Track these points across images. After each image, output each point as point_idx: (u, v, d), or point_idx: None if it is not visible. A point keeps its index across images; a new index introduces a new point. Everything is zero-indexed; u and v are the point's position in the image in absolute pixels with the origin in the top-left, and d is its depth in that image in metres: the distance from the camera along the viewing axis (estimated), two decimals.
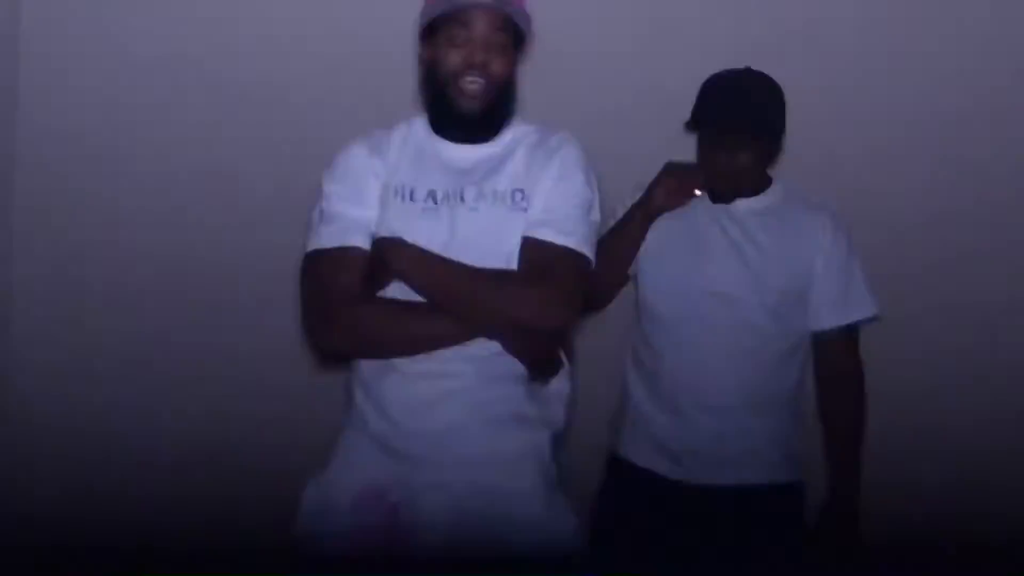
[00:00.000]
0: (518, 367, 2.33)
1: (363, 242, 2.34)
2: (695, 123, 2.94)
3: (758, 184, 2.96)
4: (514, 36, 2.38)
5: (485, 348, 2.30)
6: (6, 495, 3.53)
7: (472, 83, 2.33)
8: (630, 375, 3.02)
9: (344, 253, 2.33)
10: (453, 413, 2.29)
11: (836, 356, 2.97)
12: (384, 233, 2.35)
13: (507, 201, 2.34)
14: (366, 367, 2.37)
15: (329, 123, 3.43)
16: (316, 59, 3.45)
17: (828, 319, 2.94)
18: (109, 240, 3.51)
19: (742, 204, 2.94)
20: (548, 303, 2.27)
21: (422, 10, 2.40)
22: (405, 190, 2.37)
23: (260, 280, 3.49)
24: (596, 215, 2.39)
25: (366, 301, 2.30)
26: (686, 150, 3.00)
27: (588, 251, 2.34)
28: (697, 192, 2.92)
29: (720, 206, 2.94)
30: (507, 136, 2.42)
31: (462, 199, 2.34)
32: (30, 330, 3.50)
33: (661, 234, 2.95)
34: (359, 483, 2.34)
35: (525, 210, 2.33)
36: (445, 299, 2.27)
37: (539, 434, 2.36)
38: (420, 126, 2.45)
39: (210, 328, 3.52)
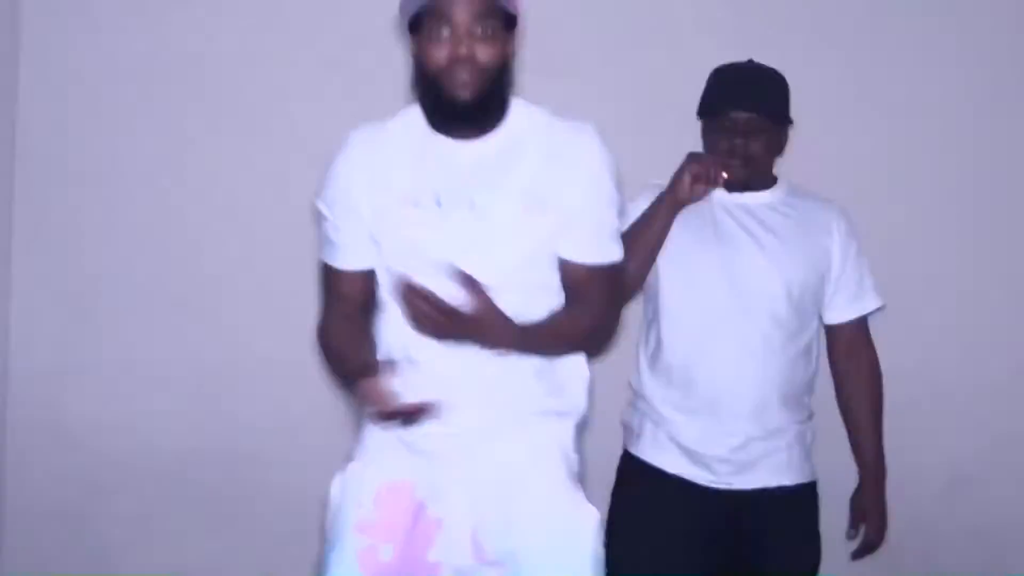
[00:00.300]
0: (536, 364, 2.32)
1: (357, 263, 2.36)
2: (706, 113, 2.95)
3: (767, 178, 2.97)
4: (503, 18, 2.25)
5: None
6: (5, 495, 3.53)
7: (461, 75, 2.21)
8: (645, 376, 2.97)
9: (340, 273, 2.38)
10: (477, 413, 2.28)
11: (854, 346, 3.02)
12: (390, 242, 2.30)
13: (518, 203, 2.25)
14: (391, 348, 2.35)
15: (331, 124, 3.43)
16: (317, 59, 3.45)
17: (846, 312, 2.98)
18: (109, 240, 3.51)
19: (755, 198, 2.94)
20: (607, 326, 2.38)
21: (400, 5, 2.29)
22: (407, 196, 2.29)
23: (261, 279, 3.48)
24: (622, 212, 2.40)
25: (336, 326, 2.36)
26: (690, 148, 2.99)
27: (621, 254, 2.37)
28: (725, 175, 2.87)
29: (734, 201, 2.93)
30: (512, 125, 2.31)
31: (471, 205, 2.25)
32: (30, 330, 3.50)
33: (676, 232, 2.91)
34: (383, 478, 2.33)
35: (540, 212, 2.26)
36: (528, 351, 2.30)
37: (562, 426, 2.36)
38: (417, 121, 2.34)
39: (211, 328, 3.52)
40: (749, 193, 2.94)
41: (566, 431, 2.36)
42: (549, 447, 2.32)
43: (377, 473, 2.34)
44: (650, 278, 2.96)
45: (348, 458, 2.40)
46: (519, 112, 2.32)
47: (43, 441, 3.50)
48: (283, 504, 3.45)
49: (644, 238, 2.85)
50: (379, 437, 2.34)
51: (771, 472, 2.89)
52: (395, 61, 3.27)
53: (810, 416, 2.99)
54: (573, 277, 2.31)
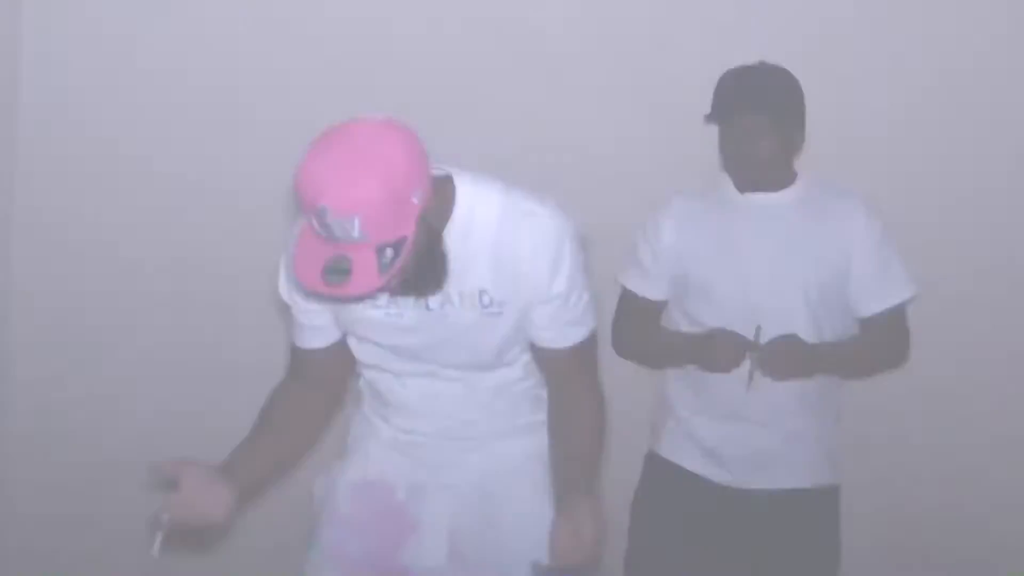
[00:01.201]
0: (525, 385, 2.36)
1: (322, 342, 2.36)
2: (715, 120, 2.94)
3: (784, 177, 2.95)
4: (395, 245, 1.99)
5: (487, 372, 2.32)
6: (5, 497, 3.53)
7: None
8: (671, 381, 3.03)
9: (303, 350, 2.39)
10: (470, 426, 2.34)
11: (884, 336, 2.98)
12: (355, 333, 2.30)
13: (476, 304, 2.19)
14: (375, 382, 2.41)
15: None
16: (319, 60, 3.46)
17: (871, 305, 2.94)
18: (109, 241, 3.52)
19: (772, 198, 2.92)
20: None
21: None
22: None
23: (264, 280, 3.48)
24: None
25: (282, 395, 2.40)
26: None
27: (594, 322, 2.31)
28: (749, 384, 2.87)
29: (752, 203, 2.92)
30: (459, 225, 2.15)
31: (426, 306, 2.19)
32: (30, 331, 3.50)
33: (697, 242, 2.93)
34: (363, 473, 2.39)
35: (498, 314, 2.19)
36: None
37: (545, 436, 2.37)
38: None
39: (213, 328, 3.52)
40: (766, 194, 2.92)
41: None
42: (535, 456, 2.34)
43: (358, 468, 2.40)
44: (673, 287, 2.98)
45: (336, 456, 2.46)
46: (466, 206, 2.16)
47: (43, 443, 3.50)
48: (282, 505, 3.45)
49: (659, 360, 3.04)
50: (366, 434, 2.41)
51: (788, 473, 2.92)
52: (402, 68, 3.31)
53: (836, 419, 3.00)
54: (550, 359, 2.29)
